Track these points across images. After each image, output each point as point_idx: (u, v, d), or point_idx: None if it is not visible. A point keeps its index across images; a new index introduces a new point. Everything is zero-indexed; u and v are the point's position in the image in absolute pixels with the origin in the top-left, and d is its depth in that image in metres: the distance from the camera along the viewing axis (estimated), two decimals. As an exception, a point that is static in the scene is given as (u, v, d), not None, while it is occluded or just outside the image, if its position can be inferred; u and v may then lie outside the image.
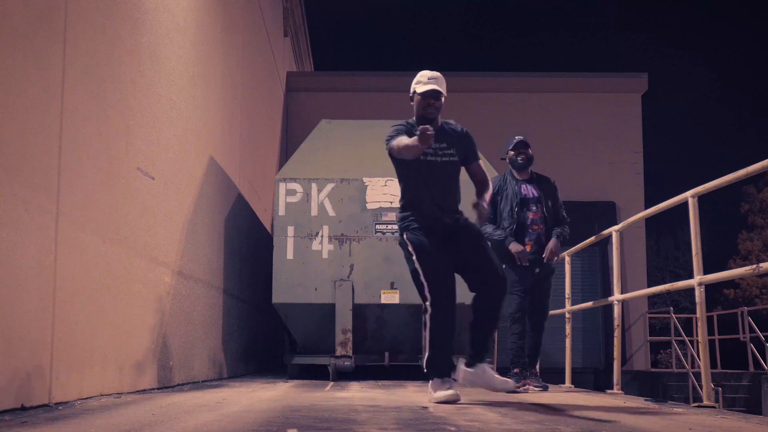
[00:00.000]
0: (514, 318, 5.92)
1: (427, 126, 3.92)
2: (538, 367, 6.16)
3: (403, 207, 4.42)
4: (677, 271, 29.03)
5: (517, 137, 6.08)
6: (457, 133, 4.45)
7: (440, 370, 4.19)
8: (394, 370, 7.57)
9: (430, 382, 4.23)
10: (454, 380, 4.22)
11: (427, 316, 4.20)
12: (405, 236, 4.34)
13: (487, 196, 4.45)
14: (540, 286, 6.02)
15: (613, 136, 15.14)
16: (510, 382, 4.29)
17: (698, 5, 62.54)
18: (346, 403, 4.10)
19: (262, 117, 11.19)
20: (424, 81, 4.31)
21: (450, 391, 4.08)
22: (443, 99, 4.35)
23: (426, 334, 4.23)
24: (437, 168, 4.31)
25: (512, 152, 6.02)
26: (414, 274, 4.29)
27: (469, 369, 4.25)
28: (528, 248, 5.87)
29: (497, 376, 4.24)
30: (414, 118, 4.42)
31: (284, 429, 2.72)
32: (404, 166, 4.33)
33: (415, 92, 4.34)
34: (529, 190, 5.96)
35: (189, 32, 6.31)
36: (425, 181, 4.30)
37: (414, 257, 4.25)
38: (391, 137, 4.27)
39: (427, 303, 4.19)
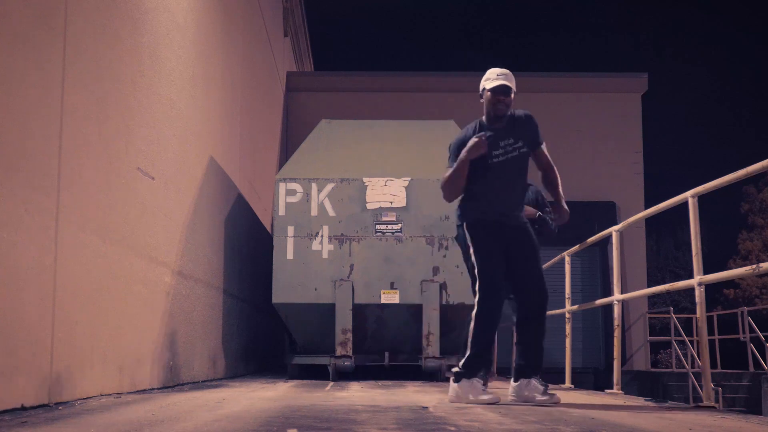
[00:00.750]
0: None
1: (482, 134, 4.14)
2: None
3: (465, 199, 4.38)
4: (677, 271, 29.01)
5: None
6: (522, 121, 4.41)
7: (473, 372, 4.16)
8: (394, 370, 7.58)
9: (458, 382, 4.17)
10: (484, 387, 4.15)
11: (473, 314, 4.19)
12: (465, 227, 4.33)
13: (559, 186, 4.48)
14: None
15: (613, 136, 15.14)
16: (555, 396, 4.16)
17: (698, 5, 62.56)
18: (346, 403, 4.10)
19: (262, 117, 11.19)
20: (493, 77, 4.32)
21: (489, 395, 4.08)
22: (513, 95, 4.35)
23: (470, 332, 4.19)
24: (507, 166, 4.31)
25: None
26: (470, 266, 4.32)
27: (515, 383, 4.23)
28: None
29: (542, 391, 4.14)
30: (484, 117, 4.41)
31: (284, 429, 2.72)
32: (472, 167, 4.30)
33: (484, 89, 4.34)
34: (538, 195, 6.11)
35: (189, 32, 6.31)
36: (492, 182, 4.29)
37: (472, 250, 4.27)
38: (448, 167, 4.39)
39: (476, 299, 4.20)
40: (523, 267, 4.28)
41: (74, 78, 3.89)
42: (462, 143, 4.34)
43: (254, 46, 10.30)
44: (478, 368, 4.16)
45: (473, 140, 4.23)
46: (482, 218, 4.29)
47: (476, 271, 4.23)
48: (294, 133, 14.43)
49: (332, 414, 3.36)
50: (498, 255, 4.25)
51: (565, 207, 4.52)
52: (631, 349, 14.83)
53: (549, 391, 4.14)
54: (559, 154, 14.46)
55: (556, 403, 4.11)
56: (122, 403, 3.93)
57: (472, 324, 4.19)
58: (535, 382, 4.18)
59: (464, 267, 7.36)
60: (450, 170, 4.34)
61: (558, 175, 4.51)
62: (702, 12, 58.99)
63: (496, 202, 4.29)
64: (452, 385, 4.21)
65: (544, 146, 4.48)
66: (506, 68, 4.42)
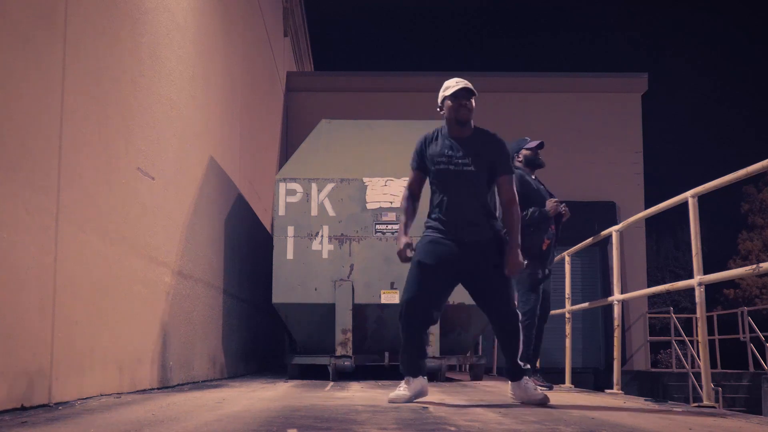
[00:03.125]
0: (529, 322, 5.83)
1: (407, 247, 4.19)
2: (537, 365, 6.17)
3: (428, 213, 4.36)
4: (677, 271, 29.02)
5: (531, 140, 6.11)
6: (485, 144, 4.25)
7: (404, 370, 4.28)
8: (394, 370, 7.55)
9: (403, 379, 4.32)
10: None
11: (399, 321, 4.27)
12: (422, 236, 4.31)
13: (514, 226, 4.19)
14: (546, 287, 6.09)
15: (613, 136, 15.14)
16: (544, 395, 4.18)
17: (698, 5, 62.58)
18: (346, 403, 4.10)
19: (262, 117, 11.19)
20: (452, 86, 4.24)
21: (405, 392, 4.18)
22: (474, 101, 4.27)
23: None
24: (449, 177, 4.19)
25: (530, 152, 6.04)
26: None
27: (512, 383, 4.32)
28: (545, 247, 5.89)
29: (534, 389, 4.21)
30: (445, 125, 4.31)
31: (284, 429, 2.72)
32: (431, 176, 4.30)
33: (444, 98, 4.24)
34: (546, 191, 6.06)
35: (189, 32, 6.31)
36: (444, 190, 4.23)
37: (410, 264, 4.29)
38: (411, 169, 4.42)
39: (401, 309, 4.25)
40: (478, 287, 4.25)
41: (74, 78, 3.89)
42: (421, 144, 4.34)
43: (254, 46, 10.30)
44: (409, 368, 4.26)
45: (399, 251, 4.25)
46: (432, 236, 4.23)
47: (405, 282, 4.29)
48: (294, 133, 14.44)
49: (332, 414, 3.36)
50: (430, 273, 4.17)
51: (519, 255, 4.10)
52: (631, 349, 14.83)
53: (542, 388, 4.25)
54: (559, 154, 14.54)
55: (544, 401, 4.13)
56: (122, 403, 3.93)
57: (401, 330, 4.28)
58: (526, 381, 4.24)
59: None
60: (401, 205, 4.43)
61: (519, 217, 4.25)
62: (702, 12, 59.00)
63: (451, 217, 4.19)
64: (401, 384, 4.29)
65: (512, 178, 4.28)
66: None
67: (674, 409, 4.13)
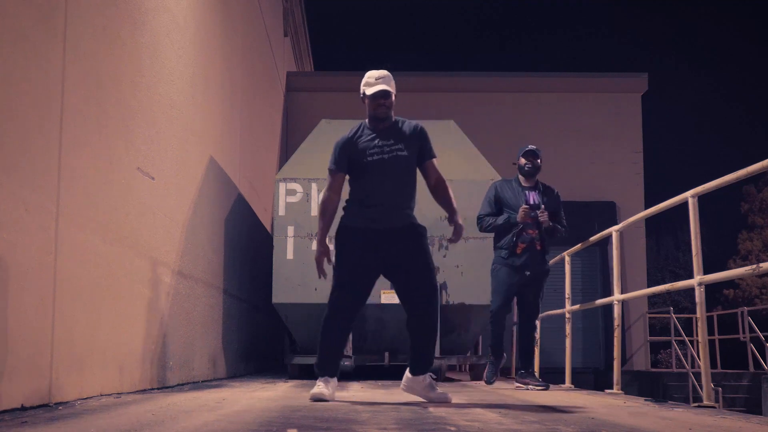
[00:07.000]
0: (493, 319, 6.26)
1: (323, 258, 4.33)
2: (537, 366, 6.19)
3: (347, 202, 4.39)
4: (677, 271, 29.01)
5: (529, 146, 6.34)
6: (410, 130, 4.38)
7: (322, 370, 4.32)
8: (394, 370, 7.56)
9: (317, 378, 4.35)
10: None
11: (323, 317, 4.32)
12: (336, 233, 4.36)
13: (452, 199, 4.38)
14: (530, 288, 6.21)
15: (613, 136, 15.13)
16: (447, 395, 4.28)
17: (697, 5, 62.58)
18: (346, 403, 4.10)
19: (262, 117, 11.19)
20: (372, 82, 4.32)
21: (326, 390, 4.19)
22: (393, 97, 4.36)
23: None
24: (384, 166, 4.26)
25: (522, 159, 6.29)
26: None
27: (409, 376, 4.38)
28: (519, 251, 6.11)
29: (436, 389, 4.30)
30: (366, 120, 4.43)
31: (284, 429, 2.72)
32: (352, 167, 4.35)
33: (364, 94, 4.34)
34: (532, 197, 6.18)
35: (189, 32, 6.31)
36: (368, 182, 4.29)
37: (334, 254, 4.34)
38: (329, 169, 4.46)
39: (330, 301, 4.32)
40: (405, 273, 4.28)
41: (74, 78, 3.89)
42: (344, 145, 4.37)
43: (254, 46, 10.30)
44: (329, 368, 4.31)
45: (316, 257, 4.38)
46: (351, 225, 4.29)
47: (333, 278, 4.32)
48: (294, 133, 14.43)
49: (332, 414, 3.36)
50: (359, 265, 4.26)
51: (460, 222, 4.35)
52: (631, 349, 14.83)
53: (440, 391, 4.29)
54: (559, 154, 14.55)
55: (446, 401, 4.19)
56: (122, 403, 3.93)
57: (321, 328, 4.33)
58: (429, 379, 4.32)
59: (464, 267, 7.42)
60: (319, 209, 4.46)
61: (450, 190, 4.42)
62: (702, 12, 59.00)
63: (371, 205, 4.26)
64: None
65: (435, 161, 4.42)
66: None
67: (674, 409, 4.13)
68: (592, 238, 6.82)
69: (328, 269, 4.42)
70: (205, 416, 3.24)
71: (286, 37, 14.74)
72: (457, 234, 4.37)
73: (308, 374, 7.62)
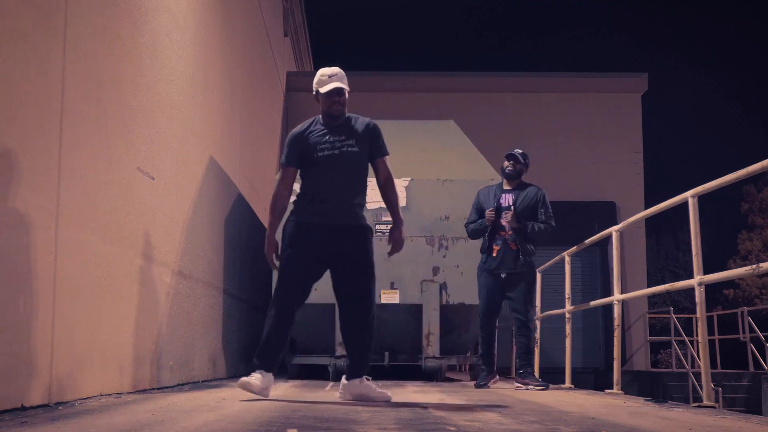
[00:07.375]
0: (480, 324, 6.37)
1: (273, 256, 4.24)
2: (537, 366, 6.19)
3: (298, 196, 4.39)
4: (677, 271, 29.02)
5: (515, 150, 6.41)
6: (362, 128, 4.39)
7: (259, 362, 4.31)
8: (394, 370, 7.57)
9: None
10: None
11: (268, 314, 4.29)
12: (284, 227, 4.36)
13: (398, 204, 4.40)
14: (513, 289, 6.22)
15: (613, 136, 15.14)
16: (387, 393, 4.27)
17: (697, 5, 62.58)
18: (346, 402, 4.10)
19: (262, 117, 11.19)
20: (325, 80, 4.34)
21: (256, 382, 4.20)
22: (347, 94, 4.38)
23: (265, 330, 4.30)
24: (334, 162, 4.27)
25: (505, 162, 6.36)
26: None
27: (345, 381, 4.35)
28: (494, 253, 6.20)
29: (376, 388, 4.28)
30: (319, 116, 4.44)
31: (284, 429, 2.72)
32: (303, 162, 4.35)
33: (318, 91, 4.36)
34: (506, 199, 6.26)
35: (189, 32, 6.31)
36: (317, 177, 4.30)
37: (280, 249, 4.31)
38: (280, 164, 4.43)
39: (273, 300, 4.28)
40: (343, 271, 4.29)
41: (74, 78, 3.89)
42: (295, 139, 4.38)
43: (254, 46, 10.30)
44: (264, 362, 4.30)
45: (269, 254, 4.31)
46: (299, 220, 4.29)
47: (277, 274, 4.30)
48: (294, 133, 14.41)
49: (332, 414, 3.36)
50: (304, 261, 4.24)
51: (401, 237, 4.37)
52: (631, 349, 14.83)
53: (379, 390, 4.28)
54: (559, 154, 14.57)
55: (388, 400, 4.21)
56: (122, 403, 3.93)
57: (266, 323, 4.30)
58: (366, 381, 4.30)
59: (464, 267, 7.42)
60: (270, 203, 4.41)
61: (397, 194, 4.44)
62: (702, 11, 59.00)
63: (321, 200, 4.27)
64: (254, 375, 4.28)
65: (386, 159, 4.42)
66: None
67: (674, 409, 4.13)
68: (592, 238, 6.82)
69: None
70: (205, 416, 3.24)
71: (286, 37, 14.74)
72: (394, 248, 4.38)
73: (308, 374, 7.63)
